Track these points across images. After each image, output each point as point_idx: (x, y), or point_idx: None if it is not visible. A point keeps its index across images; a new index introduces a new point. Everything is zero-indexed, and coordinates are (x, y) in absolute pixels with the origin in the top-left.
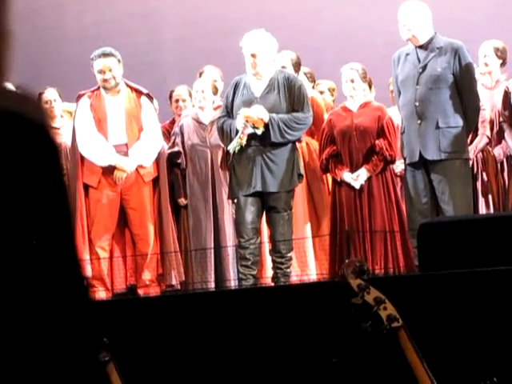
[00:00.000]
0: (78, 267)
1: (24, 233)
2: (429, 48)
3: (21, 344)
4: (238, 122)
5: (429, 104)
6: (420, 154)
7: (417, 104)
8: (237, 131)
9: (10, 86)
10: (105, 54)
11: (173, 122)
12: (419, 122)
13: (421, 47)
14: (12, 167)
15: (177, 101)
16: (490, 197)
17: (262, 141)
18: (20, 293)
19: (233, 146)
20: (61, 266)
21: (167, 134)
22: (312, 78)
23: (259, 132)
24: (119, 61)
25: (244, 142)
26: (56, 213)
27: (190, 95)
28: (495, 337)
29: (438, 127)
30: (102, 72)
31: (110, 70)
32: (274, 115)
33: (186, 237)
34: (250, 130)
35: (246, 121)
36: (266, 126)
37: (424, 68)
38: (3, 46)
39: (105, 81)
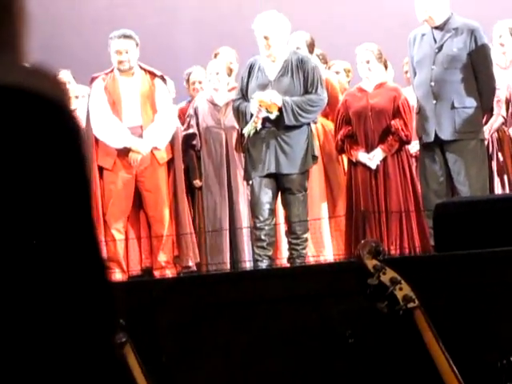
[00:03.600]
0: (98, 253)
1: (42, 216)
2: (445, 29)
3: (38, 325)
4: (253, 106)
5: (444, 84)
6: (435, 134)
7: (432, 84)
8: (251, 114)
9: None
10: (125, 36)
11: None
12: (435, 102)
13: (437, 28)
14: (28, 149)
15: (194, 83)
16: (505, 177)
17: (276, 123)
18: (37, 273)
19: (247, 130)
20: (80, 253)
21: (183, 116)
22: (324, 60)
23: (273, 116)
24: (137, 44)
25: (259, 126)
26: (75, 199)
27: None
28: None
29: (453, 107)
30: (118, 53)
31: (127, 52)
32: (287, 98)
33: (201, 218)
34: (264, 114)
35: (260, 105)
36: (280, 109)
37: (440, 48)
38: (21, 24)
39: (120, 62)
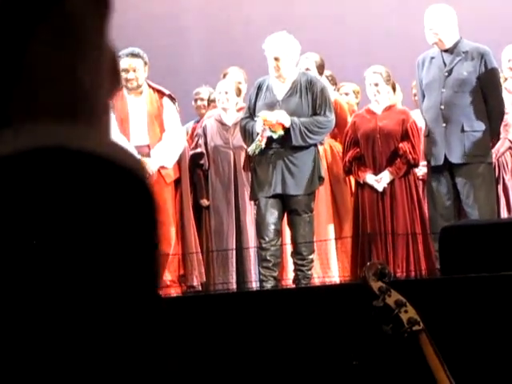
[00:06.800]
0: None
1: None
2: (454, 52)
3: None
4: (258, 125)
5: (454, 107)
6: (445, 158)
7: (442, 107)
8: (258, 133)
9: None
10: (133, 54)
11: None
12: (444, 125)
13: (446, 51)
14: (104, 222)
15: (196, 100)
16: (511, 200)
17: (283, 143)
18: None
19: (252, 149)
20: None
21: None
22: (333, 81)
23: (275, 136)
24: (145, 63)
25: (263, 145)
26: (143, 268)
27: (210, 97)
28: None
29: (463, 131)
30: (126, 71)
31: (135, 71)
32: (295, 119)
33: (208, 238)
34: (268, 133)
35: (264, 124)
36: (287, 129)
37: (450, 72)
38: (111, 96)
39: (127, 80)
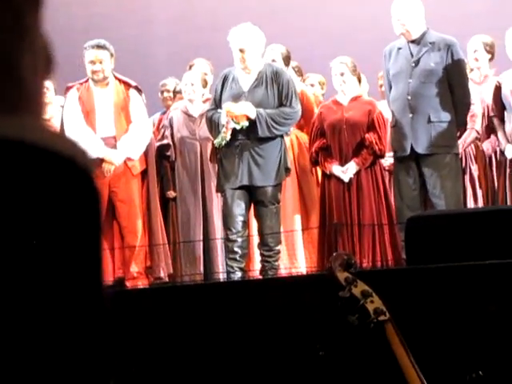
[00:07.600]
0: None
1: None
2: (421, 43)
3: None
4: (222, 117)
5: (421, 98)
6: (411, 148)
7: (409, 98)
8: (223, 125)
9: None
10: (98, 46)
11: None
12: (411, 115)
13: (413, 42)
14: (51, 209)
15: (162, 92)
16: (478, 191)
17: (250, 135)
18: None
19: (217, 141)
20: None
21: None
22: (300, 72)
23: (238, 127)
24: (112, 55)
25: (228, 137)
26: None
27: (176, 88)
28: (481, 330)
29: (429, 121)
30: (92, 63)
31: (101, 62)
32: (261, 110)
33: (175, 229)
34: (232, 125)
35: (227, 115)
36: (253, 121)
37: (417, 62)
38: (43, 82)
39: (93, 72)
